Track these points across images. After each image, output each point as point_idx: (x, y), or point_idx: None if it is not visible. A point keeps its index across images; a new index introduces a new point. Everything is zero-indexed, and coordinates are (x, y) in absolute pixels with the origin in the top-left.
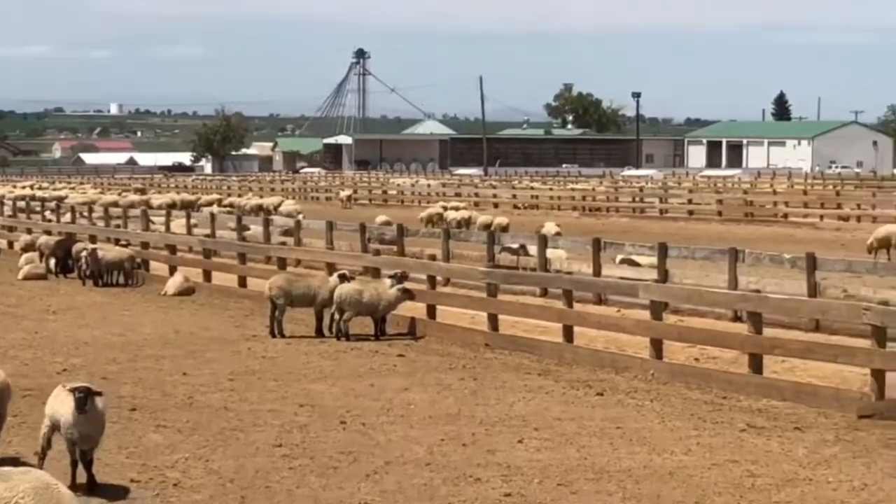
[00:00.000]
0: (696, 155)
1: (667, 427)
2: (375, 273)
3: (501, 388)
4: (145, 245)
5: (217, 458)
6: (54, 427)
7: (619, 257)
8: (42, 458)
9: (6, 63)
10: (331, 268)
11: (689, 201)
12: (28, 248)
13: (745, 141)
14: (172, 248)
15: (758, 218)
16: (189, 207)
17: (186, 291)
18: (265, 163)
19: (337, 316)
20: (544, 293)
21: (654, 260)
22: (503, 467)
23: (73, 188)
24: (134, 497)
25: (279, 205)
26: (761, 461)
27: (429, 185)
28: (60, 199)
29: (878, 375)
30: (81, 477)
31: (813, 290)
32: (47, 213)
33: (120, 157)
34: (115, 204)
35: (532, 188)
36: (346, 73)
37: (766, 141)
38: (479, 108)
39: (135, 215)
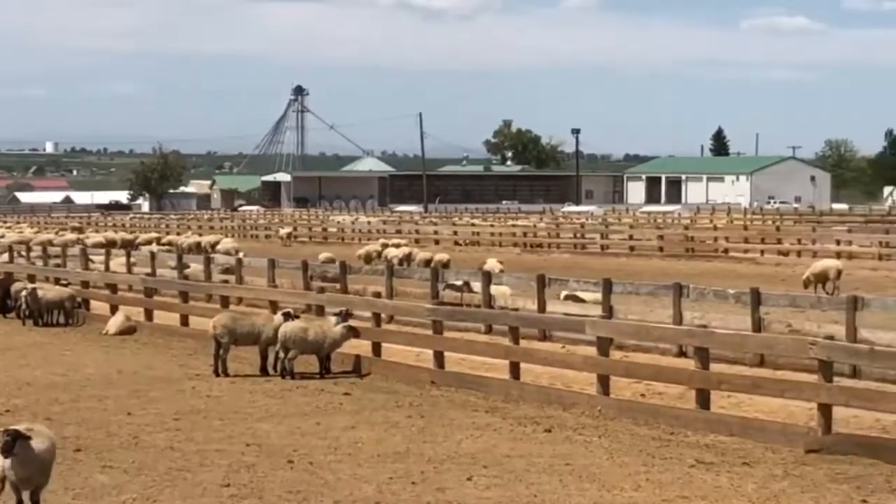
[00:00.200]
0: (636, 191)
1: (616, 463)
2: (320, 311)
3: (449, 425)
4: (85, 284)
5: (164, 499)
6: None
7: (563, 294)
8: None
9: None
10: (274, 306)
11: (631, 237)
12: None
13: (684, 177)
14: (113, 287)
15: (699, 253)
16: (128, 246)
17: (128, 331)
18: (203, 201)
19: (282, 354)
20: (489, 330)
21: (598, 296)
22: None
23: (9, 227)
24: None
25: (217, 243)
26: (711, 497)
27: (369, 223)
28: None
29: (825, 410)
30: None
31: (757, 326)
32: None
33: (56, 196)
34: (51, 243)
35: (473, 225)
36: (285, 111)
37: (704, 176)
38: (418, 144)
39: (74, 254)
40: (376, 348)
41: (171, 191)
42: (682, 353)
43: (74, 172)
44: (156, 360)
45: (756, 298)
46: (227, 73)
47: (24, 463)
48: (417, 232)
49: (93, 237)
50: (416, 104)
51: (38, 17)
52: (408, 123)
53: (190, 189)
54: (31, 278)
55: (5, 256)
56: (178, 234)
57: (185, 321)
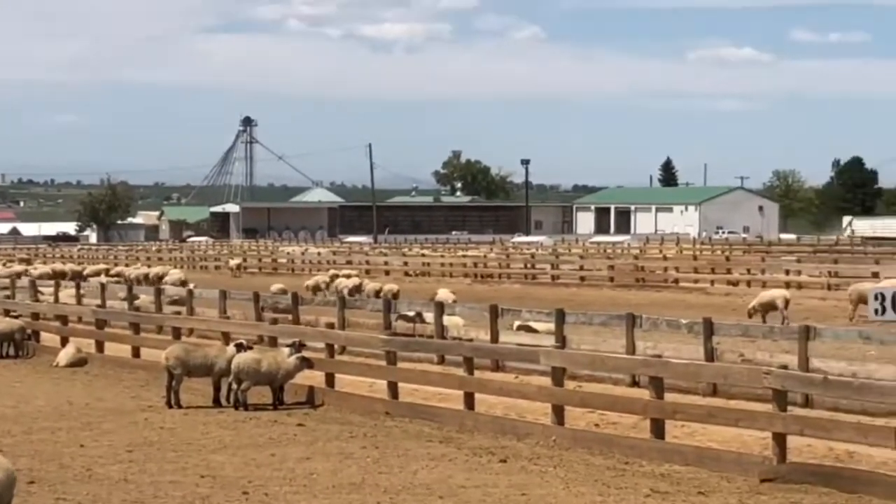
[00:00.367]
0: (585, 221)
1: (571, 493)
2: (273, 342)
3: (404, 456)
4: (35, 316)
5: None
6: None
7: (516, 324)
8: None
9: None
10: (226, 337)
11: (581, 267)
12: None
13: (633, 207)
14: (63, 319)
15: (649, 283)
16: (77, 278)
17: (79, 362)
18: (151, 232)
19: (235, 385)
20: (441, 360)
21: (551, 326)
22: None
23: None
24: None
25: (164, 274)
26: None
27: (319, 253)
28: None
29: (780, 439)
30: None
31: (710, 355)
32: None
33: (2, 228)
34: None
35: (423, 255)
36: (234, 141)
37: (653, 207)
38: (367, 175)
39: (23, 286)
40: (330, 379)
41: (120, 222)
42: (635, 383)
43: (21, 204)
44: (107, 392)
45: (709, 328)
46: (176, 104)
47: None
48: (367, 263)
49: (41, 268)
50: (366, 135)
51: None
52: (357, 154)
53: (138, 220)
54: None
55: None
56: (127, 265)
57: (136, 353)
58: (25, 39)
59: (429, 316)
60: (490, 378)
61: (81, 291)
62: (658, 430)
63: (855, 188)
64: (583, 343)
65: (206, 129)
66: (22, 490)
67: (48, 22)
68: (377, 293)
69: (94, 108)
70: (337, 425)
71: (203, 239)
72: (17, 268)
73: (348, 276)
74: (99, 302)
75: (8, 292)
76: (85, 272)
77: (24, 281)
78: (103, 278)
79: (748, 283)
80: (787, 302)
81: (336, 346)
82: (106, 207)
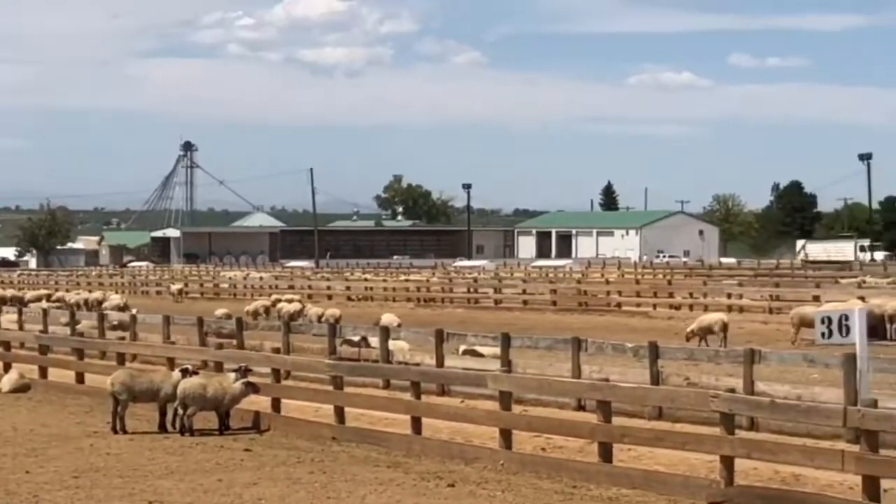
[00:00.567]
0: (526, 245)
1: None
2: (218, 367)
3: (352, 480)
4: None
5: None
6: None
7: (462, 348)
8: None
9: None
10: (171, 362)
11: (524, 291)
12: None
13: (574, 231)
14: (6, 345)
15: (592, 307)
16: (18, 303)
17: (22, 388)
18: (91, 257)
19: (181, 411)
20: (387, 385)
21: (497, 350)
22: None
23: None
24: None
25: (104, 299)
26: None
27: (261, 278)
28: None
29: (728, 462)
30: None
31: (656, 379)
32: None
33: None
34: None
35: (366, 280)
36: (174, 166)
37: (595, 231)
38: (308, 200)
39: None
40: (276, 404)
41: (59, 247)
42: (581, 407)
43: None
44: (52, 418)
45: (654, 352)
46: (115, 128)
47: None
48: (310, 287)
49: None
50: (306, 159)
51: None
52: (298, 179)
53: (78, 245)
54: None
55: None
56: (68, 290)
57: (80, 378)
58: None
59: (374, 340)
60: (437, 402)
61: (23, 317)
62: (606, 453)
63: (794, 212)
64: (528, 367)
65: (146, 153)
66: None
67: None
68: (319, 318)
69: (33, 133)
70: (284, 450)
71: (144, 264)
72: None
73: (290, 301)
74: (41, 327)
75: None
76: (26, 298)
77: None
78: (44, 304)
79: (690, 307)
80: (724, 326)
81: (282, 371)
82: (46, 232)
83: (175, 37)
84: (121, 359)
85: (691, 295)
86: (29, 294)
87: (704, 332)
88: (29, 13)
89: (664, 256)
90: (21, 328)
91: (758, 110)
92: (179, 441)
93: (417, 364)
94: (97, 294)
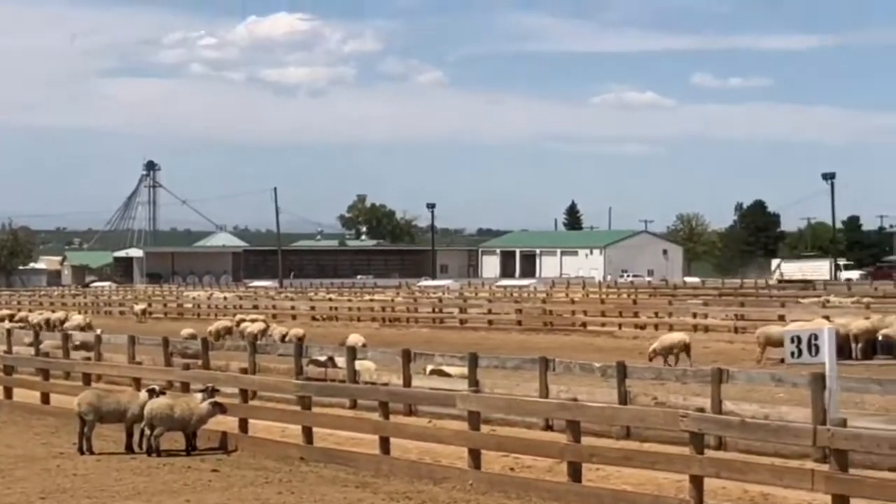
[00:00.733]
0: (490, 265)
1: None
2: (185, 387)
3: (320, 501)
4: None
5: None
6: None
7: (429, 368)
8: None
9: None
10: (137, 382)
11: (489, 311)
12: None
13: (538, 250)
14: None
15: (557, 327)
16: None
17: None
18: (54, 277)
19: (148, 431)
20: (353, 405)
21: (464, 370)
22: None
23: None
24: None
25: (66, 319)
26: None
27: (225, 298)
28: None
29: (697, 481)
30: None
31: (624, 398)
32: None
33: None
34: None
35: (330, 300)
36: (137, 186)
37: (559, 250)
38: (271, 219)
39: None
40: (243, 424)
41: (21, 267)
42: (548, 427)
43: None
44: (17, 439)
45: (622, 371)
46: (77, 148)
47: None
48: (275, 307)
49: None
50: (270, 179)
51: None
52: (261, 198)
53: (40, 265)
54: None
55: None
56: (31, 310)
57: (45, 399)
58: None
59: (340, 360)
60: (406, 422)
61: None
62: (575, 473)
63: (758, 231)
64: (496, 387)
65: (108, 173)
66: None
67: None
68: (283, 338)
69: None
70: (251, 471)
71: (106, 284)
72: None
73: (254, 321)
74: (5, 347)
75: None
76: None
77: None
78: (7, 324)
79: (656, 327)
80: (685, 346)
81: (248, 391)
82: (8, 253)
83: (137, 56)
84: (86, 379)
85: (657, 314)
86: None
87: (667, 352)
88: None
89: (628, 276)
90: None
91: (721, 130)
92: (147, 462)
93: (386, 384)
94: (59, 314)
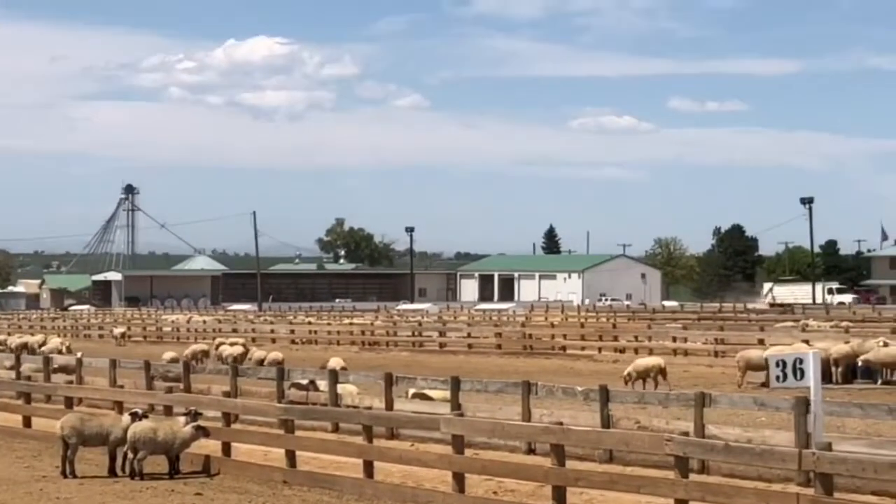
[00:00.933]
0: (469, 288)
1: None
2: (167, 411)
3: None
4: None
5: None
6: None
7: (411, 391)
8: None
9: None
10: (119, 406)
11: (469, 335)
12: None
13: (516, 274)
14: None
15: (537, 351)
16: None
17: None
18: (32, 300)
19: (131, 455)
20: (335, 429)
21: (446, 394)
22: None
23: None
24: None
25: (43, 342)
26: None
27: (205, 322)
28: None
29: None
30: None
31: (606, 422)
32: None
33: None
34: None
35: (310, 323)
36: (115, 209)
37: (537, 274)
38: (250, 243)
39: None
40: (226, 448)
41: (0, 291)
42: (531, 451)
43: None
44: None
45: (605, 395)
46: (56, 171)
47: None
48: (254, 331)
49: None
50: (248, 203)
51: None
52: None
53: (19, 289)
54: None
55: None
56: (10, 334)
57: (27, 422)
58: None
59: (322, 384)
60: (390, 446)
61: None
62: (560, 497)
63: (736, 256)
64: (478, 410)
65: (86, 196)
66: None
67: None
68: (260, 362)
69: None
70: (235, 494)
71: (85, 307)
72: None
73: (233, 344)
74: None
75: None
76: None
77: None
78: None
79: (636, 351)
80: (661, 370)
81: (231, 415)
82: None
83: (116, 80)
84: (69, 402)
85: (636, 338)
86: None
87: (642, 376)
88: None
89: (606, 300)
90: None
91: (698, 154)
92: (130, 485)
93: (369, 408)
94: (38, 337)
